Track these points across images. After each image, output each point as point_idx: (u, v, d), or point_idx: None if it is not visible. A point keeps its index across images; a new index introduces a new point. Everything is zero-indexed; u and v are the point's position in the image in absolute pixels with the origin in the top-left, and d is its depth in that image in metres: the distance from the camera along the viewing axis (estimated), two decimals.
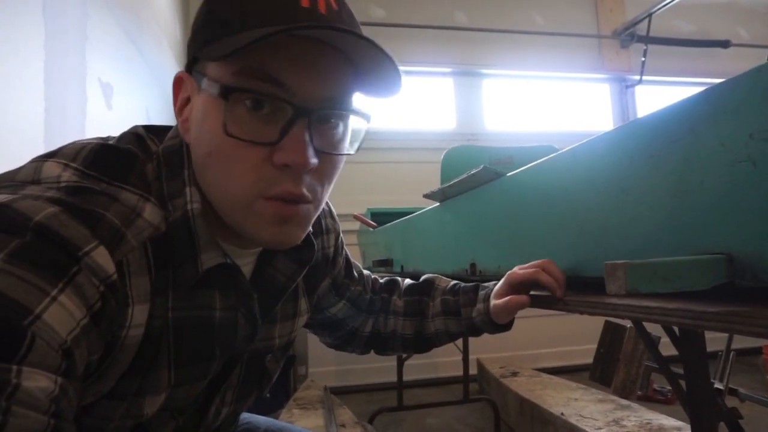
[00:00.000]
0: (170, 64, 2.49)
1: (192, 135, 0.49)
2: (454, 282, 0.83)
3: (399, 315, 0.82)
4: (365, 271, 0.84)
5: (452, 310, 0.78)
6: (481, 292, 0.76)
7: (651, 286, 0.44)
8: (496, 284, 0.75)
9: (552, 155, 0.73)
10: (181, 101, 0.51)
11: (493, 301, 0.73)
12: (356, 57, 0.46)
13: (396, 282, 0.86)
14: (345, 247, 0.79)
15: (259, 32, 0.41)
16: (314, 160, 0.45)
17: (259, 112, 0.44)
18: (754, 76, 0.41)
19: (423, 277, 0.86)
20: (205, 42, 0.46)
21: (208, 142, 0.46)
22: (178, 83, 0.51)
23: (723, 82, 0.44)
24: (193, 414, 0.56)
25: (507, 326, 0.75)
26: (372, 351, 0.86)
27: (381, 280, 0.86)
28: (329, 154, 0.48)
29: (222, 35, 0.44)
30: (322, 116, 0.46)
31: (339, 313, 0.78)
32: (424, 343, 0.81)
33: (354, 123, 0.50)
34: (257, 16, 0.44)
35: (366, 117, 0.50)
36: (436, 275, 0.86)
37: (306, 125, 0.44)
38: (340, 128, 0.49)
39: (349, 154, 0.50)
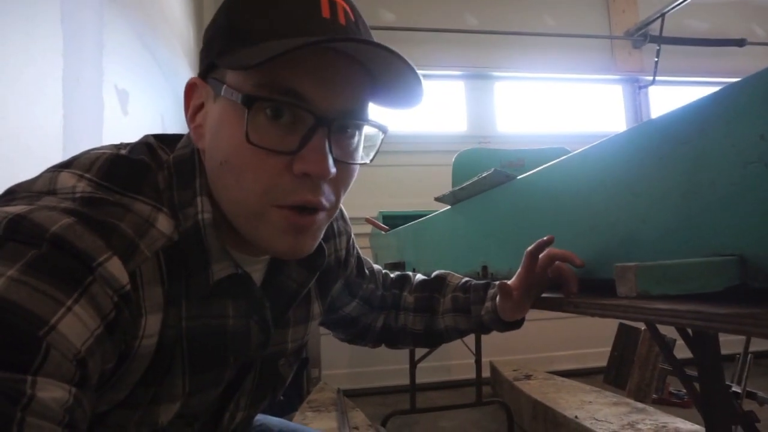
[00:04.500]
0: (184, 71, 2.52)
1: (206, 142, 0.49)
2: (466, 279, 0.83)
3: (409, 311, 0.82)
4: (376, 266, 0.85)
5: (462, 307, 0.79)
6: (491, 291, 0.77)
7: (661, 288, 0.44)
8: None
9: (562, 158, 0.73)
10: (194, 108, 0.50)
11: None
12: (376, 69, 0.47)
13: (407, 277, 0.87)
14: (356, 246, 0.79)
15: (282, 45, 0.41)
16: (334, 170, 0.45)
17: (279, 122, 0.44)
18: (765, 76, 0.41)
19: (434, 273, 0.86)
20: (223, 50, 0.46)
21: (224, 150, 0.46)
22: (190, 89, 0.51)
23: (733, 83, 0.44)
24: (208, 420, 0.57)
25: (517, 324, 0.75)
26: (383, 345, 0.87)
27: (392, 275, 0.87)
28: (347, 164, 0.49)
29: (243, 44, 0.45)
30: (340, 126, 0.47)
31: (353, 312, 0.79)
32: (433, 338, 0.82)
33: (370, 132, 0.52)
34: (279, 26, 0.44)
35: (383, 128, 0.51)
36: (448, 272, 0.86)
37: (326, 135, 0.45)
38: (356, 138, 0.49)
39: (365, 164, 0.51)
